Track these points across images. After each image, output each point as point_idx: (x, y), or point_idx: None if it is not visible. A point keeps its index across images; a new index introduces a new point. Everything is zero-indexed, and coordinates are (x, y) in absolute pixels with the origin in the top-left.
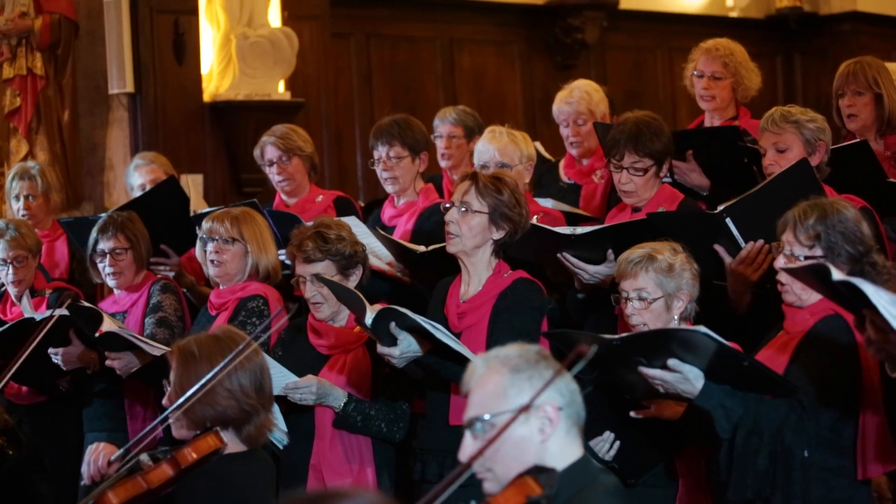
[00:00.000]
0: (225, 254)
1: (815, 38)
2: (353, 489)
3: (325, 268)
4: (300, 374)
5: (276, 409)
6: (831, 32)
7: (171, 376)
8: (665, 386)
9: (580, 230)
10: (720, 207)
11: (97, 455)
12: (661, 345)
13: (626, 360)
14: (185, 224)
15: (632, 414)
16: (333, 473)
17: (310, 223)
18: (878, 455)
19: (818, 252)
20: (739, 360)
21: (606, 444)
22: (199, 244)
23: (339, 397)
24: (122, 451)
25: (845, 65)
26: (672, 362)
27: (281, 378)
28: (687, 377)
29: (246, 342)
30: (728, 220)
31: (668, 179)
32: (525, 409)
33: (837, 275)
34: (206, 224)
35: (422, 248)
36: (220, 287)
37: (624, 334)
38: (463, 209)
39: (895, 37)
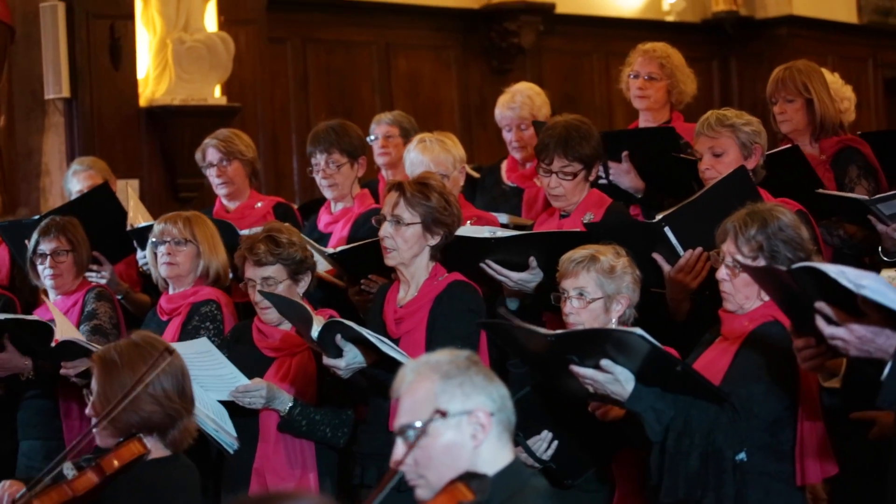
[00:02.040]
0: (178, 255)
1: (752, 42)
2: (298, 492)
3: (276, 272)
4: (245, 376)
5: (225, 414)
6: (768, 36)
7: (93, 385)
8: (595, 386)
9: (500, 233)
10: (658, 217)
11: (2, 494)
12: (595, 344)
13: (559, 359)
14: (120, 233)
15: (590, 409)
16: (276, 478)
17: (258, 229)
18: (816, 460)
19: (761, 262)
20: (672, 364)
21: (544, 444)
22: (149, 248)
23: (285, 401)
24: (25, 490)
25: (776, 71)
26: (604, 363)
27: (232, 379)
28: (618, 378)
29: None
30: (667, 230)
31: (604, 181)
32: (441, 413)
33: (797, 264)
34: (157, 226)
35: (330, 251)
36: (171, 290)
37: (559, 331)
38: (395, 222)
39: (831, 40)
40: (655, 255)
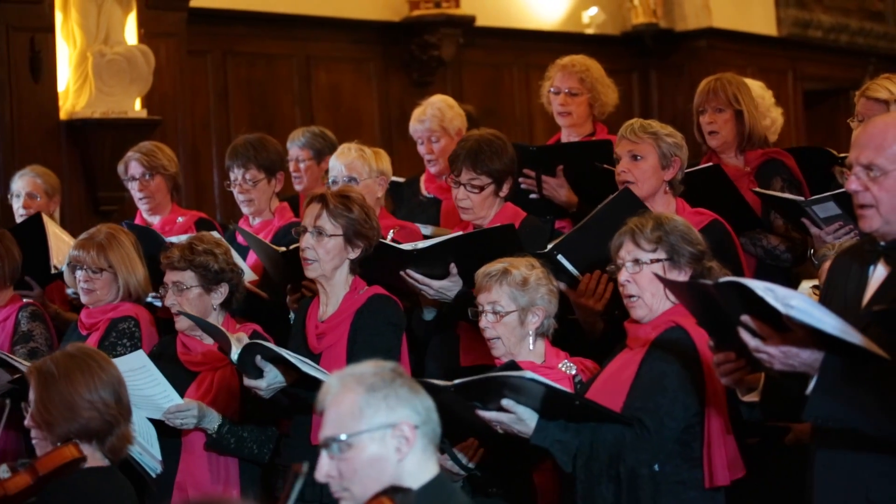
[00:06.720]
0: (95, 282)
1: (672, 54)
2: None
3: (186, 277)
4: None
5: (153, 435)
6: (687, 48)
7: (31, 396)
8: (503, 427)
9: (421, 245)
10: (549, 246)
11: None
12: (494, 390)
13: (464, 405)
14: (46, 259)
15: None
16: (198, 492)
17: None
18: (724, 462)
19: (662, 255)
20: (570, 399)
21: (470, 451)
22: (67, 268)
23: (213, 420)
24: None
25: (706, 81)
26: (506, 402)
27: (164, 397)
28: (521, 417)
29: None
30: (560, 257)
31: (536, 195)
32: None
33: (723, 278)
34: (72, 252)
35: (282, 249)
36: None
37: (457, 381)
38: (317, 233)
39: (751, 52)
40: (558, 283)
